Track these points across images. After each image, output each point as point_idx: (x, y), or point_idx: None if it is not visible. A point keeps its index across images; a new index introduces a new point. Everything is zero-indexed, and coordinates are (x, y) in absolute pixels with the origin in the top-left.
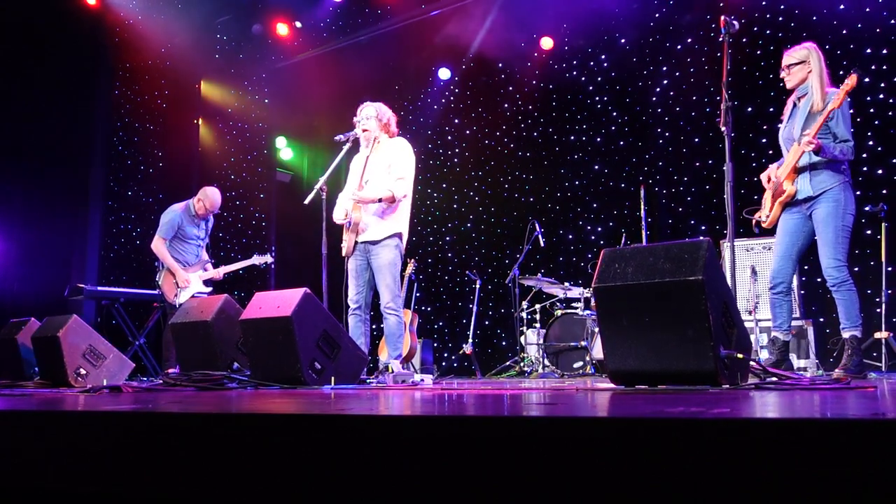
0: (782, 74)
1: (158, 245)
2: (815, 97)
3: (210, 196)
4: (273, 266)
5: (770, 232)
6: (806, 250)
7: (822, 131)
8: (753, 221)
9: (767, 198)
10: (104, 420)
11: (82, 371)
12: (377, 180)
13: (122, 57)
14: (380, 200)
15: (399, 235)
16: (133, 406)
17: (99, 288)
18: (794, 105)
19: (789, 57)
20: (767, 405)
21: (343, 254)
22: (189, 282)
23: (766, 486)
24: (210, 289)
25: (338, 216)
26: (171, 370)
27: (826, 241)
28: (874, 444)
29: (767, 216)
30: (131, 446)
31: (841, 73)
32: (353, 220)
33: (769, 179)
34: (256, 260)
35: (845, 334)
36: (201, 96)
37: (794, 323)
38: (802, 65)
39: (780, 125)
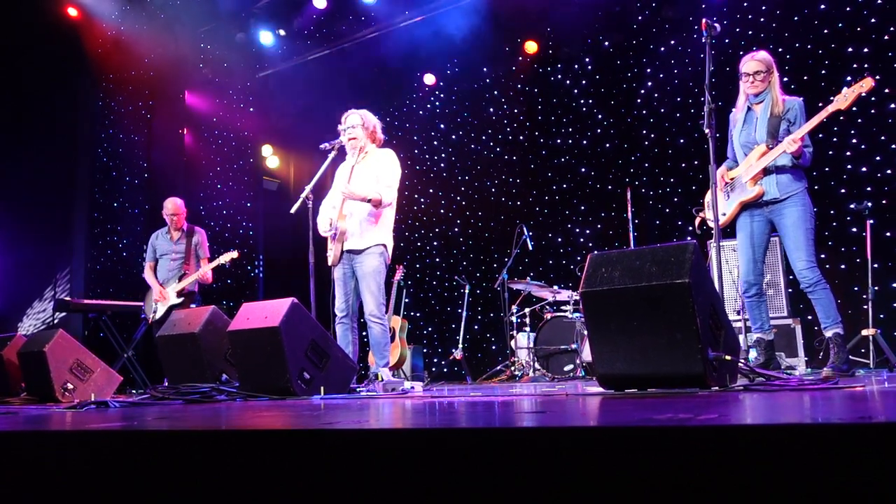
0: (748, 81)
1: (146, 271)
2: (777, 101)
3: (166, 206)
4: (260, 275)
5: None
6: (767, 251)
7: (782, 135)
8: (697, 221)
9: (721, 198)
10: (91, 440)
11: (70, 386)
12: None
13: (106, 68)
14: (368, 201)
15: (384, 245)
16: (121, 424)
17: (85, 301)
18: (749, 109)
19: (757, 65)
20: (756, 409)
21: (329, 263)
22: (165, 297)
23: (756, 492)
24: (181, 300)
25: (322, 227)
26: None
27: (797, 244)
28: (862, 447)
29: (724, 214)
30: (118, 465)
31: (823, 72)
32: (338, 229)
33: (723, 178)
34: (223, 258)
35: (828, 333)
36: (186, 106)
37: (782, 322)
38: (768, 73)
39: (732, 129)
